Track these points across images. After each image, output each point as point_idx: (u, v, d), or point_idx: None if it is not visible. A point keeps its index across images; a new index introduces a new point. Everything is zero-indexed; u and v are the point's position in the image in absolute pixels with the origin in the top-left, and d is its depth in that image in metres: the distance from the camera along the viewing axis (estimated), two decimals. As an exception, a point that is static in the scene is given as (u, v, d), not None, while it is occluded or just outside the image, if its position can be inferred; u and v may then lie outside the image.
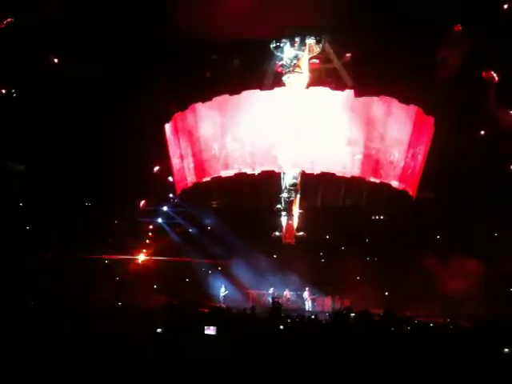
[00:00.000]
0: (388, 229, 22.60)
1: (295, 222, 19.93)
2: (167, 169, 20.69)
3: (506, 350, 8.97)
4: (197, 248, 24.73)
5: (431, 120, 17.35)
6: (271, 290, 23.13)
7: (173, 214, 24.91)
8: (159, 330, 10.46)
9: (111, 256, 23.15)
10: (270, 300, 22.71)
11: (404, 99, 16.68)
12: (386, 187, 17.87)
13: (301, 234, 20.10)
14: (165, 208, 24.85)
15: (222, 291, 23.48)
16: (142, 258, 24.70)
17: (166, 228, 25.15)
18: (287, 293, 23.52)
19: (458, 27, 17.23)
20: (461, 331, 12.06)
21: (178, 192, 20.44)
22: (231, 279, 24.55)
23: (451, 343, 9.50)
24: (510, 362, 8.46)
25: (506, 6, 16.54)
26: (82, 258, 21.23)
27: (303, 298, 23.09)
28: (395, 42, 16.63)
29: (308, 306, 22.80)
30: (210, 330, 9.72)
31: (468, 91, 17.59)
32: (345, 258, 23.21)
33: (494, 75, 17.66)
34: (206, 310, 16.21)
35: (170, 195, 23.74)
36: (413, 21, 16.55)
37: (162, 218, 25.10)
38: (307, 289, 23.03)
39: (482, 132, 19.39)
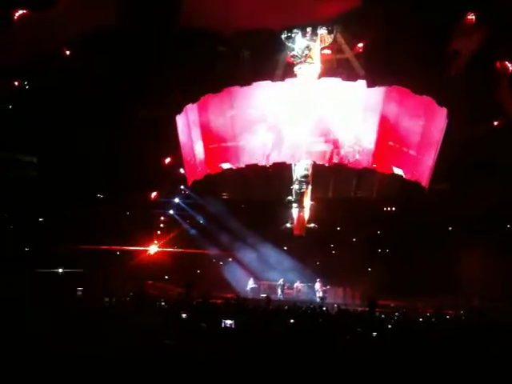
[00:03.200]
0: (400, 220, 22.48)
1: (306, 214, 19.92)
2: (179, 160, 20.72)
3: None
4: (208, 239, 24.82)
5: (444, 111, 17.19)
6: (281, 281, 23.16)
7: (184, 205, 24.98)
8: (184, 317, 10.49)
9: (123, 247, 23.28)
10: (280, 291, 22.89)
11: (417, 90, 16.53)
12: (397, 179, 17.79)
13: (312, 225, 20.11)
14: (176, 200, 24.93)
15: (250, 284, 23.49)
16: (154, 249, 24.83)
17: (178, 219, 25.24)
18: (298, 284, 23.55)
19: (472, 17, 16.99)
20: (474, 324, 12.00)
21: (190, 183, 20.51)
22: (243, 270, 24.64)
23: (463, 336, 9.45)
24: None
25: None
26: (93, 248, 21.36)
27: (314, 289, 23.09)
28: (408, 32, 16.43)
29: (319, 297, 22.80)
30: (228, 323, 9.73)
31: (482, 82, 17.37)
32: (356, 250, 23.14)
33: (509, 65, 17.43)
34: (220, 302, 16.34)
35: (182, 187, 23.81)
36: (426, 11, 16.34)
37: (174, 210, 25.18)
38: (318, 280, 23.02)
39: (496, 123, 19.15)
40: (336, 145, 17.04)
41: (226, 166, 18.58)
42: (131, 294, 17.95)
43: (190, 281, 14.80)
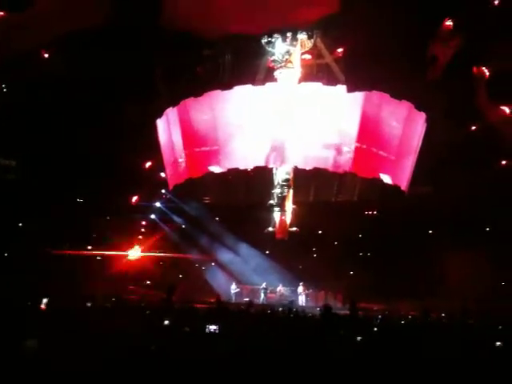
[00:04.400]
0: (380, 224, 22.68)
1: (288, 218, 19.99)
2: (159, 164, 20.62)
3: (498, 343, 9.00)
4: (190, 243, 24.74)
5: (423, 116, 17.41)
6: (264, 285, 23.18)
7: (165, 209, 24.87)
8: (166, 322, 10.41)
9: (103, 252, 23.08)
10: (263, 295, 22.91)
11: (396, 95, 16.71)
12: (378, 183, 17.96)
13: (294, 229, 20.19)
14: (157, 204, 24.79)
15: (233, 288, 23.44)
16: (134, 254, 24.64)
17: (159, 223, 25.11)
18: (281, 288, 23.59)
19: (450, 23, 17.27)
20: (455, 325, 12.14)
21: (171, 188, 20.42)
22: (225, 274, 24.62)
23: (445, 337, 9.54)
24: (502, 356, 8.50)
25: (496, 2, 16.59)
26: (73, 254, 21.15)
27: (297, 292, 23.16)
28: (387, 37, 16.63)
29: (302, 300, 22.87)
30: (212, 328, 9.65)
31: (460, 87, 17.64)
32: (338, 253, 23.28)
33: (485, 71, 17.74)
34: (203, 306, 16.26)
35: (163, 191, 23.69)
36: (404, 16, 16.55)
37: (155, 214, 25.05)
38: (301, 284, 23.09)
39: (474, 127, 19.47)
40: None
41: (207, 170, 18.52)
42: (112, 299, 17.79)
43: (171, 285, 14.69)
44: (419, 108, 17.15)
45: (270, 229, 20.29)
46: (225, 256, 24.81)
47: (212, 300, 20.96)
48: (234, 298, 22.80)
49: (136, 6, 16.56)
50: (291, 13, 16.13)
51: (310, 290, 23.14)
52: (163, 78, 18.83)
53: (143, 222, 25.05)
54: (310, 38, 18.23)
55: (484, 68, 17.84)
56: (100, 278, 21.58)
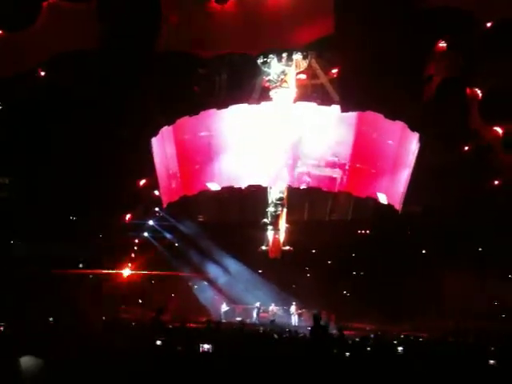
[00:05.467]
0: (374, 243, 22.70)
1: (282, 237, 19.97)
2: (154, 183, 20.58)
3: (492, 361, 8.98)
4: (183, 262, 24.61)
5: (416, 136, 17.55)
6: (257, 304, 23.01)
7: (159, 227, 24.77)
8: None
9: (96, 271, 22.90)
10: (255, 315, 22.74)
11: (390, 115, 16.85)
12: (371, 202, 18.03)
13: (287, 248, 20.15)
14: (151, 222, 24.69)
15: (223, 307, 23.25)
16: (127, 272, 24.45)
17: (152, 242, 24.98)
18: (273, 307, 23.42)
19: (443, 45, 17.51)
20: (446, 344, 12.11)
21: (165, 206, 20.36)
22: (218, 293, 24.47)
23: (436, 357, 9.51)
24: (496, 374, 8.48)
25: (489, 25, 16.83)
26: (67, 272, 20.97)
27: (290, 312, 23.00)
28: (381, 58, 16.81)
29: (294, 320, 22.70)
30: (205, 348, 9.56)
31: (453, 107, 17.84)
32: (331, 273, 23.24)
33: (478, 92, 17.95)
34: (195, 326, 16.10)
35: (157, 209, 23.62)
36: (399, 38, 16.77)
37: (148, 232, 24.93)
38: (294, 303, 22.95)
39: (467, 147, 19.65)
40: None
41: (201, 188, 18.50)
42: (103, 318, 17.58)
43: (161, 306, 14.54)
44: (412, 128, 17.29)
45: (264, 247, 20.24)
46: (218, 274, 24.70)
47: (204, 319, 20.85)
48: (223, 317, 22.62)
49: (132, 27, 16.66)
50: (286, 34, 16.29)
51: (304, 310, 22.98)
52: (158, 97, 18.88)
53: (136, 240, 24.91)
54: (304, 58, 18.39)
55: (477, 89, 18.04)
56: (91, 297, 21.39)
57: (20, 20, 15.95)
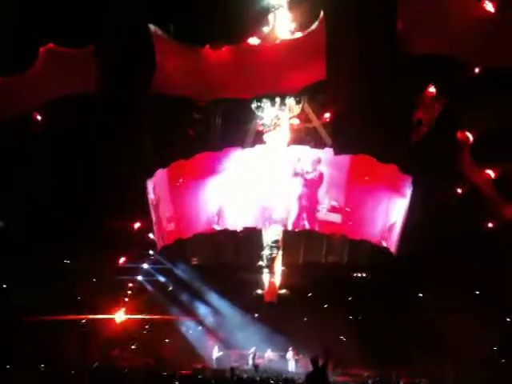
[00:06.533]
0: (370, 287, 22.51)
1: (277, 280, 19.80)
2: (148, 225, 20.54)
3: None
4: (177, 305, 24.31)
5: (409, 179, 17.68)
6: (253, 350, 22.56)
7: (153, 271, 24.56)
8: None
9: (88, 316, 22.57)
10: (251, 361, 22.23)
11: (382, 158, 17.03)
12: (367, 244, 17.97)
13: (283, 291, 19.95)
14: (145, 265, 24.50)
15: (215, 352, 22.80)
16: (120, 317, 24.07)
17: (146, 285, 24.73)
18: (269, 353, 22.95)
19: (433, 90, 17.93)
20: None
21: (159, 248, 20.26)
22: (212, 338, 24.07)
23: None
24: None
25: (477, 70, 17.28)
26: (59, 319, 20.65)
27: (286, 358, 22.51)
28: (372, 103, 17.20)
29: (291, 366, 22.20)
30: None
31: (444, 150, 18.09)
32: (328, 317, 22.90)
33: (469, 135, 18.24)
34: (188, 372, 15.78)
35: (151, 252, 23.48)
36: (389, 84, 17.20)
37: (142, 275, 24.71)
38: (291, 349, 22.51)
39: (460, 190, 19.79)
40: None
41: (196, 231, 18.46)
42: (95, 364, 17.27)
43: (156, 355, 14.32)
44: (405, 171, 17.44)
45: (259, 291, 20.05)
46: (212, 319, 24.36)
47: (198, 366, 20.46)
48: (216, 364, 22.15)
49: (127, 72, 17.07)
50: (280, 80, 16.70)
51: (301, 356, 22.49)
52: (154, 140, 19.13)
53: (130, 284, 24.66)
54: (297, 103, 18.81)
55: (467, 133, 18.33)
56: (84, 342, 21.03)
57: (17, 65, 16.33)
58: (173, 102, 17.75)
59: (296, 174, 17.25)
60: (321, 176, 16.99)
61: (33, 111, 18.20)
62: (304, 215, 17.31)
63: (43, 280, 20.30)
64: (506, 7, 14.85)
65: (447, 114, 17.96)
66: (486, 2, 14.94)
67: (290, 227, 17.79)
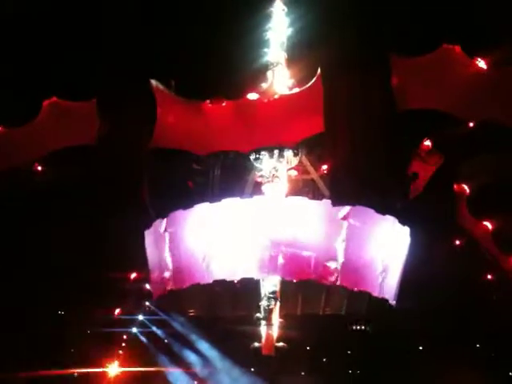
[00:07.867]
0: (369, 339, 22.12)
1: (275, 332, 19.45)
2: (144, 276, 20.37)
3: None
4: (172, 358, 23.78)
5: (407, 230, 17.74)
6: (250, 406, 21.90)
7: (148, 322, 24.15)
8: None
9: (81, 370, 22.03)
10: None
11: (380, 209, 17.13)
12: (365, 296, 17.81)
13: (281, 344, 19.56)
14: (140, 317, 24.11)
15: None
16: (114, 370, 23.50)
17: (141, 338, 24.27)
18: (266, 408, 22.27)
19: (428, 143, 18.26)
20: None
21: (155, 299, 20.01)
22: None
23: None
24: None
25: (471, 124, 17.66)
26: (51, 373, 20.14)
27: (284, 414, 21.82)
28: (369, 155, 17.45)
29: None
30: None
31: (441, 203, 18.23)
32: (327, 371, 22.42)
33: (465, 188, 18.44)
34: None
35: (147, 303, 23.17)
36: (386, 136, 17.51)
37: (137, 327, 24.27)
38: (290, 405, 21.90)
39: (458, 242, 19.83)
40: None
41: (193, 281, 18.28)
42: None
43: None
44: (402, 222, 17.51)
45: (256, 344, 19.65)
46: (207, 372, 23.76)
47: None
48: None
49: (129, 125, 17.37)
50: (278, 133, 17.02)
51: (301, 414, 21.86)
52: (153, 191, 19.23)
53: (124, 336, 24.20)
54: (295, 155, 19.10)
55: (464, 185, 18.54)
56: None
57: (20, 117, 16.64)
58: (173, 154, 18.01)
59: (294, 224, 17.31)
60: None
61: (33, 162, 18.37)
62: (299, 265, 17.25)
63: (34, 329, 19.90)
64: (497, 64, 15.37)
65: (444, 166, 18.20)
66: (479, 59, 15.47)
67: (287, 277, 17.68)
